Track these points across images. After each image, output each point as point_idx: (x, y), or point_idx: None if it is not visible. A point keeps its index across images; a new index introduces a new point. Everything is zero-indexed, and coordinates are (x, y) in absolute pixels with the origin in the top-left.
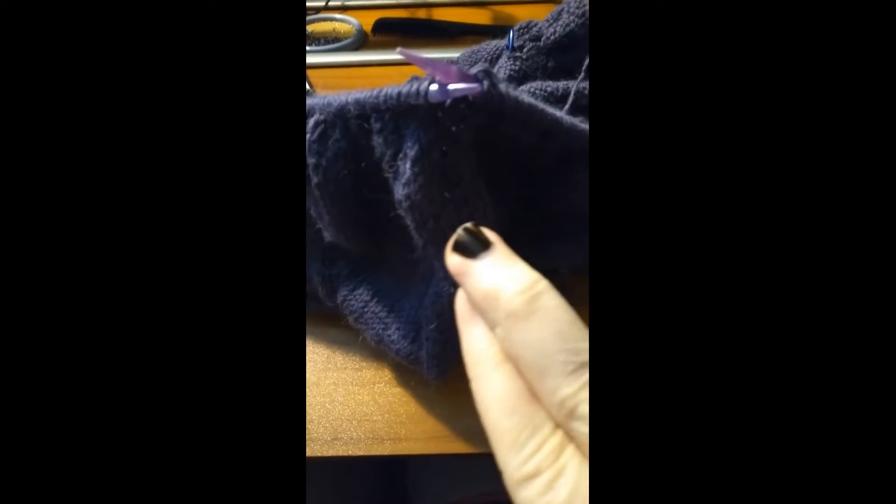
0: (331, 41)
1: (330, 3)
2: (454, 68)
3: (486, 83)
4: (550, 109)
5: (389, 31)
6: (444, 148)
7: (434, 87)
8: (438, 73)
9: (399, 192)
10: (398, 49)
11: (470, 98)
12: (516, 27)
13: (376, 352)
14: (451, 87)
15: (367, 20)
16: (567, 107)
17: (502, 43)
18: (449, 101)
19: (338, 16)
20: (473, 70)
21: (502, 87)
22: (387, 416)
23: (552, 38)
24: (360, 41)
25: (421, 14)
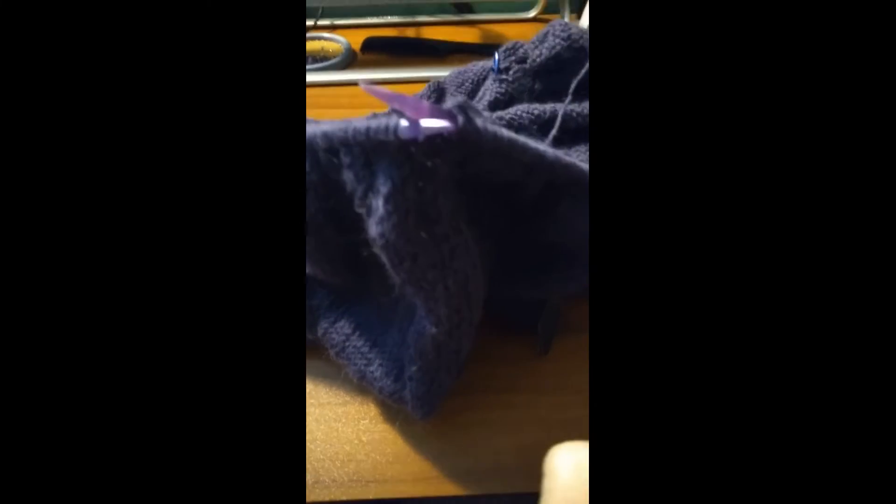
0: (319, 60)
1: (319, 23)
2: (425, 104)
3: (460, 119)
4: (532, 142)
5: (378, 50)
6: (420, 184)
7: (404, 123)
8: (408, 109)
9: (373, 230)
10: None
11: (445, 134)
12: (502, 49)
13: (361, 387)
14: (423, 123)
15: (356, 39)
16: (555, 130)
17: (489, 64)
18: (421, 137)
19: (326, 34)
20: (448, 104)
21: (479, 122)
22: (372, 455)
23: (538, 60)
24: (349, 60)
25: (410, 33)
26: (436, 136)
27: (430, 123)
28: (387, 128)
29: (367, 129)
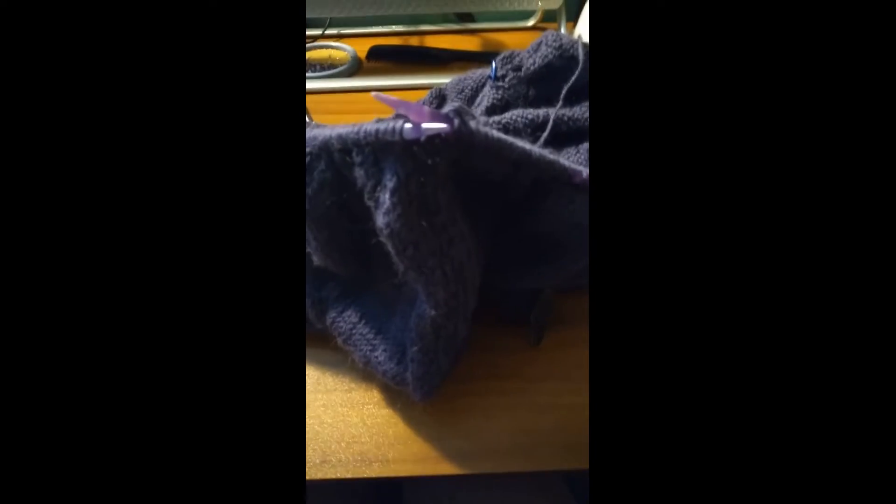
0: (326, 67)
1: (326, 32)
2: (426, 109)
3: (456, 122)
4: (520, 143)
5: (383, 58)
6: (421, 179)
7: (408, 126)
8: (412, 114)
9: (380, 220)
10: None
11: (442, 135)
12: (499, 57)
13: (365, 373)
14: (424, 126)
15: (362, 47)
16: (546, 133)
17: (487, 72)
18: (423, 138)
19: (333, 43)
20: (445, 109)
21: (472, 124)
22: (376, 437)
23: (532, 68)
24: (355, 68)
25: (413, 41)
26: (435, 137)
27: (431, 126)
28: (393, 130)
29: (377, 131)
